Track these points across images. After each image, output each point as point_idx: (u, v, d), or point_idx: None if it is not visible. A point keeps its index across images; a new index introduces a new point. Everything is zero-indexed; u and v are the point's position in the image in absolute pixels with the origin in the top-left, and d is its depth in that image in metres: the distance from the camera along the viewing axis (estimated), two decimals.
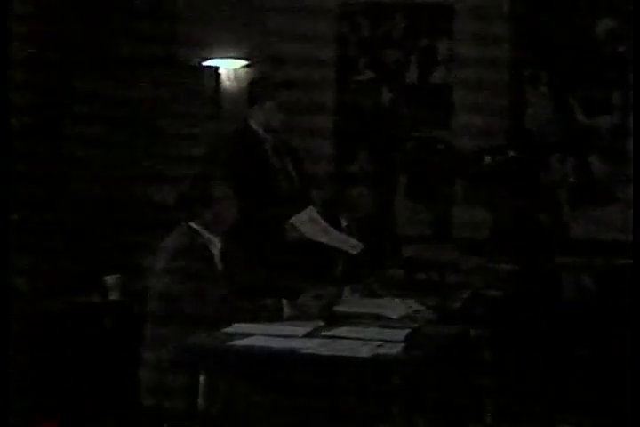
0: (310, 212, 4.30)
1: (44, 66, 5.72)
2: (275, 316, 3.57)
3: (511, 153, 6.31)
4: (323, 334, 3.29)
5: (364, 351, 3.01)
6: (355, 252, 4.32)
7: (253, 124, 4.44)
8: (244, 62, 6.67)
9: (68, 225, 5.80)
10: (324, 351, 3.05)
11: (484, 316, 3.93)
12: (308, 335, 3.27)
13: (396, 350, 3.04)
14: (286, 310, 3.61)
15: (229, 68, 6.73)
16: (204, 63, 6.66)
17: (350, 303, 3.82)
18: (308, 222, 4.25)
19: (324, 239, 4.28)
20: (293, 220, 4.23)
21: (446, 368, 3.69)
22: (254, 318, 3.51)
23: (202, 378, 3.22)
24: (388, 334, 3.24)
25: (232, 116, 5.98)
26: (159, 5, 6.71)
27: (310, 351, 3.05)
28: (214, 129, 6.40)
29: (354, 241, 4.36)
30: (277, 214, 4.25)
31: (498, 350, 4.48)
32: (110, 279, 5.40)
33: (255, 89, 4.50)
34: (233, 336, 3.26)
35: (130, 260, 5.51)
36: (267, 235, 4.18)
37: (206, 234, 3.84)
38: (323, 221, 4.33)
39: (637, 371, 3.34)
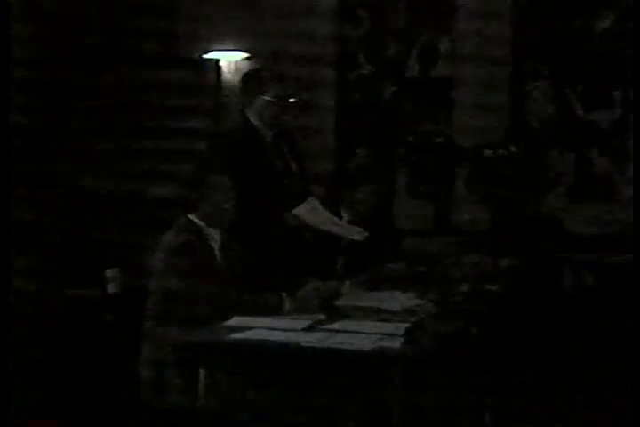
0: (312, 202, 4.30)
1: (42, 60, 5.72)
2: (275, 309, 3.57)
3: (512, 148, 6.32)
4: (323, 327, 3.29)
5: (365, 345, 3.01)
6: (359, 238, 4.31)
7: (251, 118, 4.43)
8: (244, 55, 6.66)
9: (68, 219, 5.79)
10: (324, 345, 3.05)
11: (484, 309, 3.92)
12: (309, 329, 3.26)
13: (396, 343, 3.03)
14: (286, 304, 3.60)
15: (230, 60, 6.73)
16: (205, 56, 6.66)
17: (351, 297, 3.81)
18: (310, 213, 4.25)
19: (328, 228, 4.28)
20: (296, 211, 4.23)
21: (446, 362, 3.69)
22: (254, 312, 3.50)
23: (202, 371, 3.21)
24: (388, 327, 3.23)
25: (233, 109, 5.97)
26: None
27: (310, 345, 3.05)
28: (215, 122, 6.40)
29: (358, 229, 4.36)
30: (278, 207, 4.24)
31: (498, 343, 4.48)
32: (110, 273, 5.39)
33: (248, 83, 4.49)
34: (233, 330, 3.26)
35: (130, 253, 5.50)
36: (267, 228, 4.18)
37: (206, 227, 3.83)
38: (325, 211, 4.33)
39: (638, 367, 3.33)
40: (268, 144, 4.40)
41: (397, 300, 3.72)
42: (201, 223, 3.83)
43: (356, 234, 4.32)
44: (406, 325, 3.24)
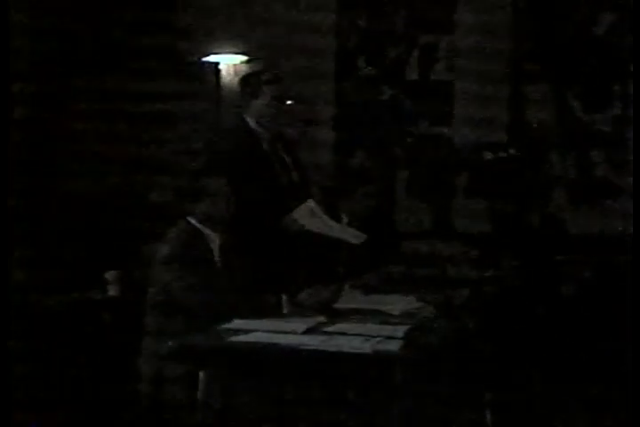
0: (310, 205, 4.30)
1: (45, 63, 5.73)
2: (275, 312, 3.57)
3: (511, 150, 6.32)
4: (323, 330, 3.29)
5: (365, 347, 3.01)
6: (357, 242, 4.31)
7: (249, 120, 4.44)
8: (244, 58, 6.67)
9: (68, 222, 5.80)
10: (324, 347, 3.05)
11: (485, 311, 3.93)
12: (309, 331, 3.26)
13: (396, 346, 3.04)
14: (286, 306, 3.60)
15: (229, 63, 6.73)
16: (204, 59, 6.66)
17: (351, 299, 3.81)
18: (308, 215, 4.25)
19: (325, 231, 4.28)
20: (294, 213, 4.23)
21: (446, 364, 3.69)
22: (254, 314, 3.51)
23: (201, 374, 3.21)
24: (388, 330, 3.23)
25: (232, 112, 5.98)
26: (159, 2, 6.72)
27: (310, 347, 3.05)
28: (214, 124, 6.40)
29: (356, 232, 4.36)
30: (276, 209, 4.24)
31: (499, 345, 4.48)
32: (110, 275, 5.40)
33: (245, 85, 4.50)
34: (233, 332, 3.26)
35: (129, 256, 5.51)
36: (266, 230, 4.18)
37: (205, 230, 3.83)
38: (323, 213, 4.33)
39: (638, 367, 3.33)
40: (266, 147, 4.41)
41: (397, 302, 3.72)
42: (200, 225, 3.83)
43: (355, 237, 4.33)
44: (406, 327, 3.24)
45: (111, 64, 6.29)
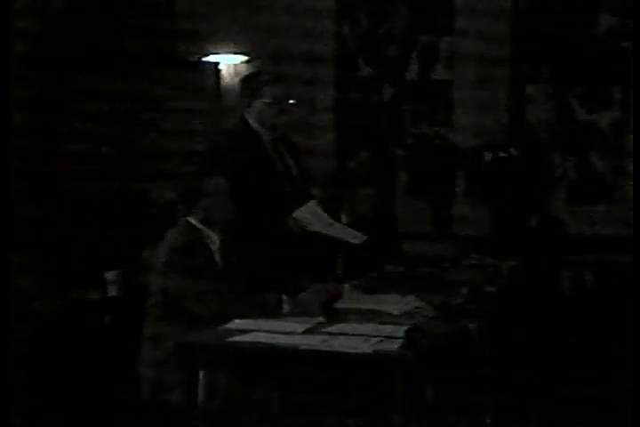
0: (312, 205, 4.30)
1: (42, 61, 5.73)
2: (274, 312, 3.57)
3: (512, 150, 6.32)
4: (323, 330, 3.29)
5: (364, 348, 3.01)
6: (357, 242, 4.32)
7: (250, 120, 4.44)
8: (244, 58, 6.67)
9: (68, 221, 5.80)
10: (323, 348, 3.05)
11: (484, 312, 3.93)
12: (308, 332, 3.26)
13: (396, 346, 3.04)
14: (286, 307, 3.60)
15: (230, 63, 6.74)
16: (205, 59, 6.67)
17: (350, 299, 3.81)
18: (310, 216, 4.26)
19: (326, 231, 4.29)
20: (296, 213, 4.23)
21: (446, 365, 3.69)
22: (254, 314, 3.51)
23: (201, 374, 3.22)
24: (388, 330, 3.23)
25: (232, 112, 5.98)
26: (159, 1, 6.72)
27: (310, 348, 3.05)
28: (214, 125, 6.41)
29: (356, 232, 4.37)
30: (278, 209, 4.24)
31: (498, 346, 4.48)
32: (110, 275, 5.40)
33: (246, 85, 4.50)
34: (232, 332, 3.26)
35: (129, 256, 5.51)
36: (267, 230, 4.18)
37: (205, 230, 3.83)
38: (325, 214, 4.33)
39: (638, 367, 3.33)
40: (267, 147, 4.41)
41: (397, 302, 3.72)
42: (200, 226, 3.83)
43: (355, 238, 4.33)
44: (406, 327, 3.24)
45: (111, 64, 6.29)
